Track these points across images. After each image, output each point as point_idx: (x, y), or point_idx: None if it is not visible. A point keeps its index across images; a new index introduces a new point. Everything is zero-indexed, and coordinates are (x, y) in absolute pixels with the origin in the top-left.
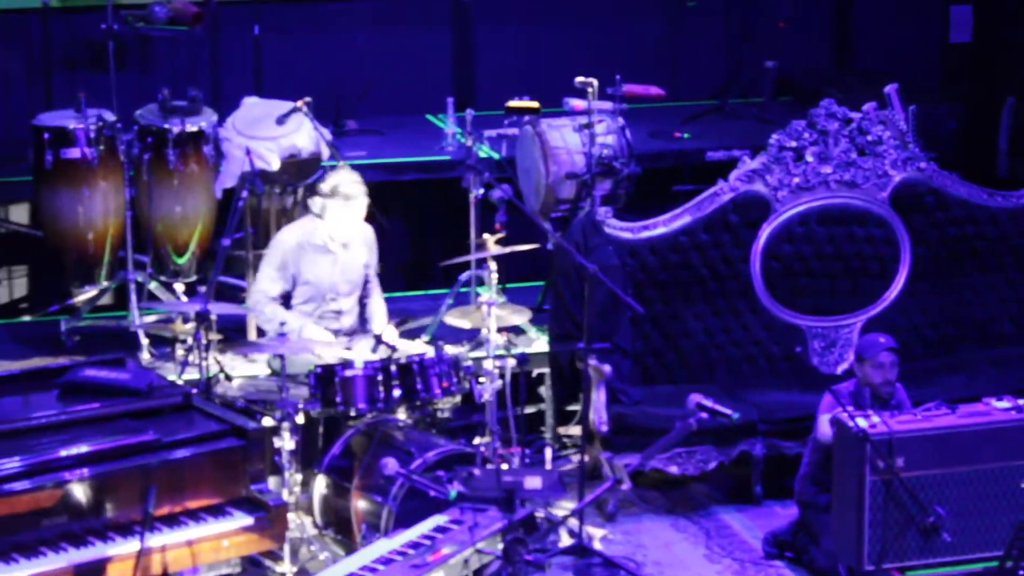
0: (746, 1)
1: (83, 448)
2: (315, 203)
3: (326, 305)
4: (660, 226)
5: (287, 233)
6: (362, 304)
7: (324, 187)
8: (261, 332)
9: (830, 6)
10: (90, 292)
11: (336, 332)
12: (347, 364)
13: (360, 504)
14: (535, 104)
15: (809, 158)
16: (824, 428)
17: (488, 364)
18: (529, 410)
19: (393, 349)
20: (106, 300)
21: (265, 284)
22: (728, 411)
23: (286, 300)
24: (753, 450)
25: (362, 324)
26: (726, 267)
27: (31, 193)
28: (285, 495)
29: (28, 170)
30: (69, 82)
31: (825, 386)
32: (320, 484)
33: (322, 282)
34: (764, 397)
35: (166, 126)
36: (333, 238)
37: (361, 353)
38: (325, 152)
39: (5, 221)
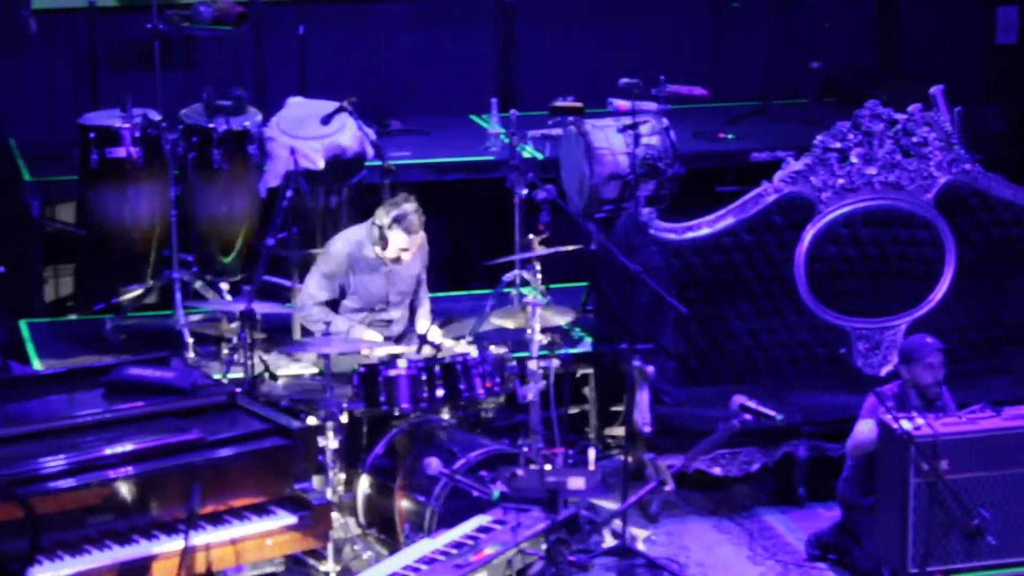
0: (791, 2)
1: (128, 446)
2: (377, 224)
3: (376, 315)
4: (704, 227)
5: (340, 244)
6: (411, 307)
7: (389, 217)
8: (306, 332)
9: (875, 7)
10: (135, 291)
11: (387, 337)
12: (391, 364)
13: (403, 504)
14: (579, 104)
15: (854, 159)
16: (860, 431)
17: (532, 364)
18: (573, 411)
19: (437, 349)
20: (151, 299)
21: (313, 289)
22: (772, 413)
23: (334, 304)
24: (797, 452)
25: (411, 326)
26: (770, 268)
27: (77, 192)
28: (329, 494)
29: (74, 169)
30: (115, 82)
31: (869, 388)
32: (364, 483)
33: (372, 295)
34: (808, 399)
35: (211, 125)
36: (387, 261)
37: (405, 352)
38: (369, 152)
39: (52, 220)
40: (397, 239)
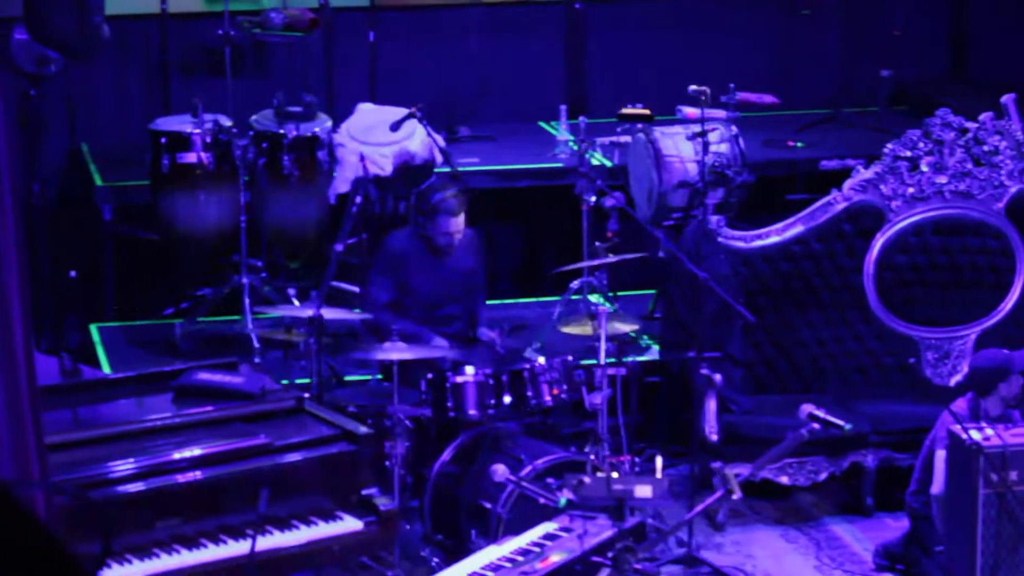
0: (861, 10)
1: (196, 451)
2: (419, 212)
3: (433, 312)
4: (773, 235)
5: (392, 240)
6: (471, 310)
7: (427, 203)
8: (373, 337)
9: (946, 15)
10: (204, 296)
11: (446, 338)
12: (459, 370)
13: (470, 510)
14: (648, 112)
15: (924, 168)
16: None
17: (599, 372)
18: (640, 419)
19: (502, 354)
20: (220, 304)
21: (375, 292)
22: (840, 422)
23: (396, 308)
24: (865, 461)
25: (472, 330)
26: (839, 277)
27: (148, 197)
28: (395, 500)
29: (145, 174)
30: (186, 88)
31: (938, 398)
32: (430, 490)
33: (428, 289)
34: (876, 408)
35: (281, 131)
36: (437, 248)
37: (471, 359)
38: (438, 158)
39: (122, 225)
40: (440, 223)
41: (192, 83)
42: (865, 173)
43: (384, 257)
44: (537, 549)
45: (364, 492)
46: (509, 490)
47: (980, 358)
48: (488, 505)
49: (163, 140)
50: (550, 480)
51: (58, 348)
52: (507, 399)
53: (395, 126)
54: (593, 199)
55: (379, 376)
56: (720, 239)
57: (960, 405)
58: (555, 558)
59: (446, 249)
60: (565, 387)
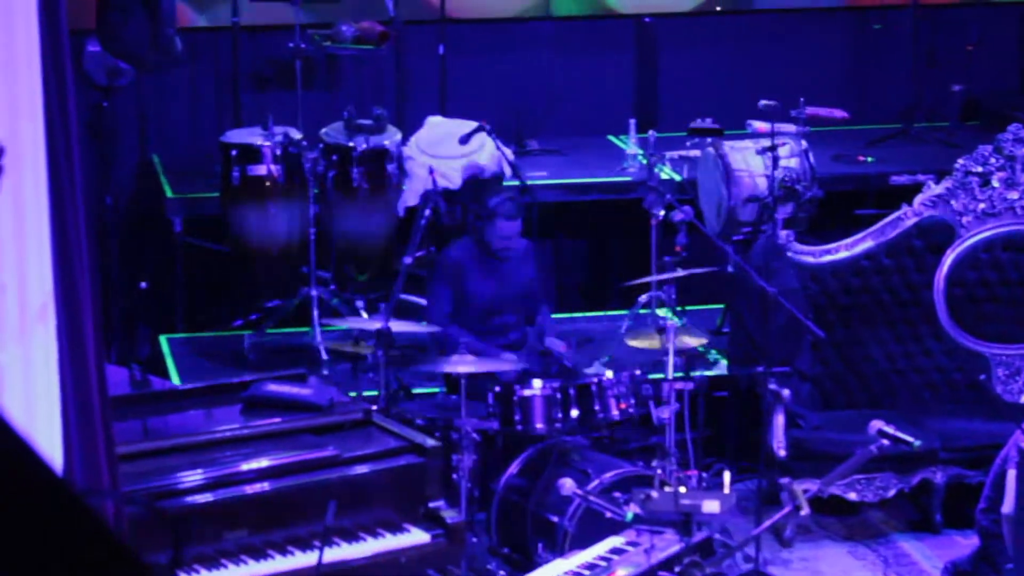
0: (933, 24)
1: (264, 462)
2: (476, 221)
3: (490, 320)
4: (842, 250)
5: (449, 250)
6: (532, 321)
7: (485, 208)
8: (441, 350)
9: (1019, 29)
10: (273, 308)
11: (505, 348)
12: (526, 383)
13: (537, 524)
14: (718, 126)
15: (995, 183)
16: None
17: (666, 386)
18: (707, 433)
19: (568, 367)
20: (289, 316)
21: (438, 304)
22: (909, 438)
23: (454, 317)
24: (934, 478)
25: (533, 340)
26: (908, 292)
27: (218, 209)
28: (462, 513)
29: (216, 186)
30: (257, 100)
31: (1008, 415)
32: (497, 503)
33: (485, 297)
34: (946, 425)
35: (351, 144)
36: (494, 254)
37: (535, 372)
38: (507, 171)
39: (193, 236)
40: (499, 227)
41: (263, 96)
42: (936, 188)
43: (442, 267)
44: (604, 563)
45: (431, 505)
46: (576, 504)
47: None
48: (555, 519)
49: (234, 152)
50: (617, 494)
51: (128, 359)
52: (574, 413)
53: (464, 139)
54: (662, 213)
55: (444, 389)
56: (789, 254)
57: None
58: (622, 572)
59: (503, 255)
60: (632, 401)
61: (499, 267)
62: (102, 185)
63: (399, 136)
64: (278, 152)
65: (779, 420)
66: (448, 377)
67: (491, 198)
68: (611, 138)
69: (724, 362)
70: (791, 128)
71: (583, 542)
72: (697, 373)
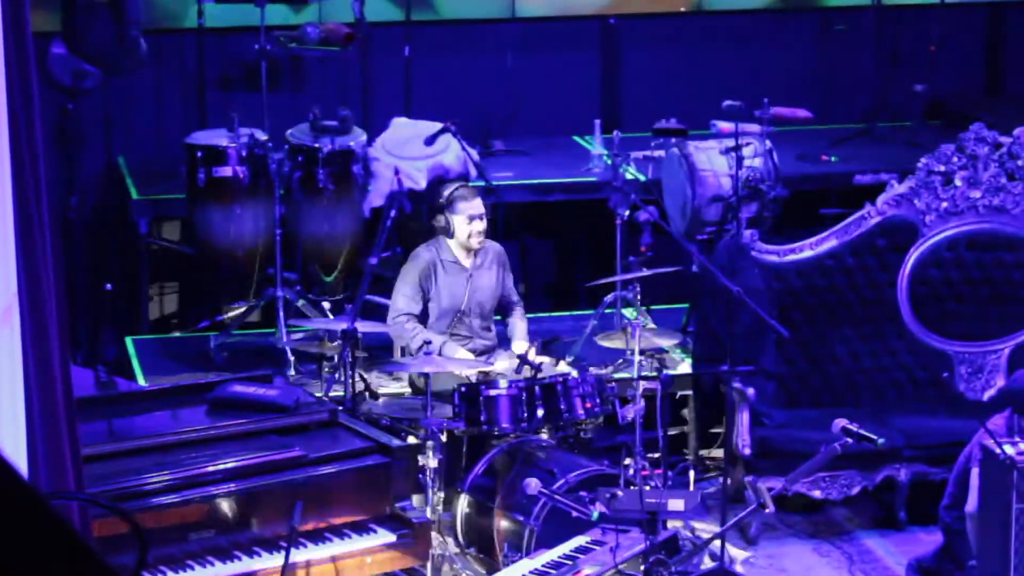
0: (896, 25)
1: (230, 463)
2: (439, 221)
3: (460, 324)
4: (806, 249)
5: (420, 251)
6: (503, 323)
7: (442, 199)
8: (405, 351)
9: (981, 30)
10: (239, 309)
11: (473, 351)
12: (491, 383)
13: (502, 523)
14: (682, 126)
15: (958, 183)
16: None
17: (632, 385)
18: (672, 432)
19: (537, 369)
20: (255, 317)
21: (402, 303)
22: (873, 436)
23: (423, 319)
24: (898, 476)
25: (501, 343)
26: (873, 291)
27: (183, 210)
28: (428, 513)
29: (181, 188)
30: (222, 101)
31: (971, 412)
32: (463, 503)
33: (456, 300)
34: (910, 422)
35: (316, 145)
36: (467, 250)
37: (503, 371)
38: (472, 172)
39: (158, 238)
40: (460, 217)
41: (228, 97)
42: (899, 188)
43: (414, 267)
44: (569, 562)
45: (398, 505)
46: (542, 503)
47: (1019, 379)
48: (521, 518)
49: (199, 154)
50: (583, 493)
51: (94, 361)
52: (540, 412)
53: (430, 140)
54: (627, 213)
55: (409, 389)
56: (753, 253)
57: (997, 422)
58: (588, 571)
59: (472, 246)
60: (598, 401)
61: (467, 271)
62: (67, 187)
63: (365, 137)
64: (244, 153)
65: (744, 419)
66: (412, 377)
67: (443, 188)
68: (576, 139)
69: (689, 361)
70: (755, 128)
71: (549, 542)
72: (662, 372)
